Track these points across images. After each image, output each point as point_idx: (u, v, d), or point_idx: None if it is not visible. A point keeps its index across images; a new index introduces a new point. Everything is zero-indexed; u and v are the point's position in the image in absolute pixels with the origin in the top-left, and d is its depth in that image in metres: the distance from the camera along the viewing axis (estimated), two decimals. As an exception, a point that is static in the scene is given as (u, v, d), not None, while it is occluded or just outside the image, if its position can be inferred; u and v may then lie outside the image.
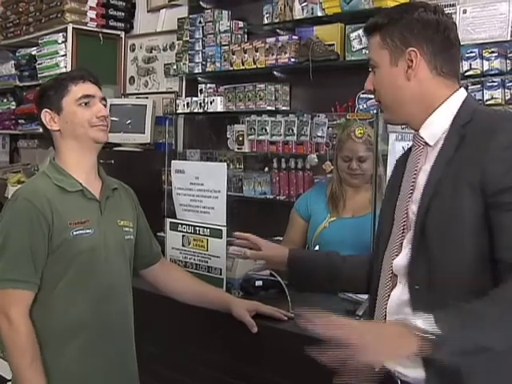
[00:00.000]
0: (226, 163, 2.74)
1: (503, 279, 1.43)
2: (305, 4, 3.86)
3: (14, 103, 5.67)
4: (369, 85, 1.69)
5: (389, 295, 1.63)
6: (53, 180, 2.09)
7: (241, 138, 4.28)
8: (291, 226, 3.13)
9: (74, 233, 2.02)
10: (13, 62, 5.54)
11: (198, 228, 2.60)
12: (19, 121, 5.54)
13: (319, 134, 3.82)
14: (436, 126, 1.61)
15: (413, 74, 1.60)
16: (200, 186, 2.59)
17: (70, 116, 2.10)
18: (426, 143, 1.63)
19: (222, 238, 2.52)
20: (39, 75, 5.15)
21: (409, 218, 1.61)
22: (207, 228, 2.57)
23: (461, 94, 1.63)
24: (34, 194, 2.04)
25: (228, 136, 4.42)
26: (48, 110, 2.12)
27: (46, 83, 2.24)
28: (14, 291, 1.98)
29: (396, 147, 2.24)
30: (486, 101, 3.22)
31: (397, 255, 1.62)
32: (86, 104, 2.10)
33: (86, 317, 2.05)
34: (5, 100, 5.81)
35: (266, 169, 4.28)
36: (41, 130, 5.26)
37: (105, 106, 2.16)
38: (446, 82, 1.62)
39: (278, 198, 4.14)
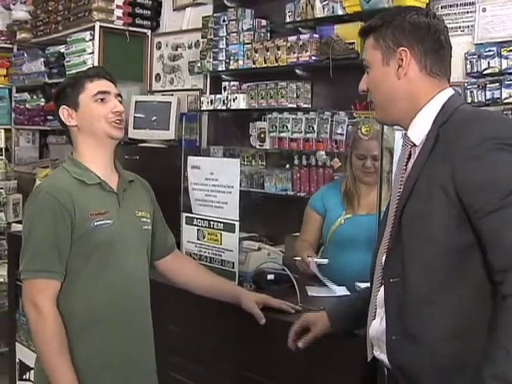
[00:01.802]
0: (239, 159, 2.79)
1: (498, 293, 1.46)
2: (326, 3, 3.88)
3: (43, 100, 5.78)
4: (363, 85, 1.75)
5: (379, 289, 1.68)
6: (72, 174, 2.16)
7: (262, 135, 4.32)
8: (307, 222, 3.16)
9: (95, 223, 2.09)
10: (42, 59, 5.64)
11: (212, 222, 2.67)
12: (48, 117, 5.65)
13: (339, 132, 3.85)
14: (420, 127, 1.65)
15: (403, 73, 1.65)
16: (214, 182, 2.65)
17: (87, 112, 2.17)
18: (413, 143, 1.67)
19: (234, 232, 2.58)
20: (67, 72, 5.22)
21: None
22: (221, 222, 2.62)
23: (445, 94, 1.66)
24: (55, 187, 2.11)
25: (250, 133, 4.47)
26: (65, 107, 2.19)
27: (63, 82, 2.32)
28: (41, 281, 2.04)
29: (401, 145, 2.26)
30: (505, 99, 3.22)
31: (385, 252, 1.67)
32: (101, 100, 2.17)
33: (106, 306, 2.11)
34: (34, 97, 5.92)
35: (287, 166, 4.31)
36: (68, 125, 5.37)
37: (120, 102, 2.22)
38: (435, 82, 1.66)
39: (298, 194, 4.17)
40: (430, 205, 1.54)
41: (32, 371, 3.64)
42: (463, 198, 1.49)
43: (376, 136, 2.71)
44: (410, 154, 1.69)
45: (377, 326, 1.68)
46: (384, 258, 1.67)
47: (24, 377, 3.76)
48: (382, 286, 1.67)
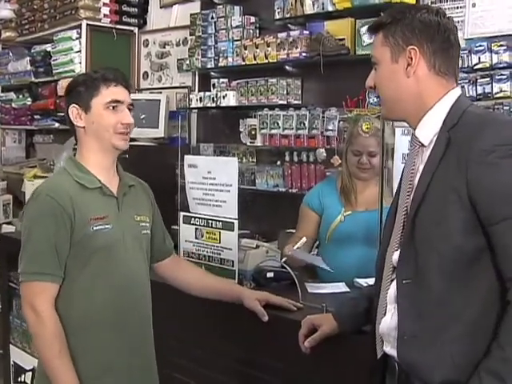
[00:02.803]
0: (237, 158, 2.79)
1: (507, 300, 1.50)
2: (315, -1, 3.90)
3: (29, 99, 5.73)
4: (370, 81, 1.75)
5: (389, 286, 1.70)
6: (73, 177, 2.15)
7: (253, 132, 4.32)
8: (304, 220, 3.12)
9: (94, 228, 2.08)
10: (28, 58, 5.60)
11: (210, 221, 2.67)
12: (35, 116, 5.61)
13: (330, 128, 3.86)
14: (429, 127, 1.66)
15: (412, 71, 1.66)
16: (212, 180, 2.65)
17: (97, 117, 2.14)
18: (422, 144, 1.68)
19: (233, 230, 2.58)
20: (54, 71, 5.22)
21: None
22: (219, 221, 2.63)
23: (453, 95, 1.67)
24: (56, 190, 2.10)
25: (241, 130, 4.47)
26: (76, 106, 2.16)
27: (77, 78, 2.26)
28: (39, 283, 2.04)
29: (403, 141, 2.28)
30: (495, 94, 3.25)
31: (396, 250, 1.69)
32: (113, 108, 2.14)
33: (106, 309, 2.11)
34: (21, 96, 5.87)
35: (278, 162, 4.32)
36: (56, 125, 5.38)
37: (131, 110, 2.19)
38: (443, 82, 1.67)
39: (290, 190, 4.18)
40: (444, 209, 1.55)
41: (27, 373, 3.64)
42: (476, 204, 1.51)
43: (374, 133, 2.72)
44: (417, 153, 1.70)
45: (387, 322, 1.69)
46: (394, 257, 1.68)
47: (19, 379, 3.75)
48: (392, 284, 1.69)
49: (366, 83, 1.76)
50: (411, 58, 1.65)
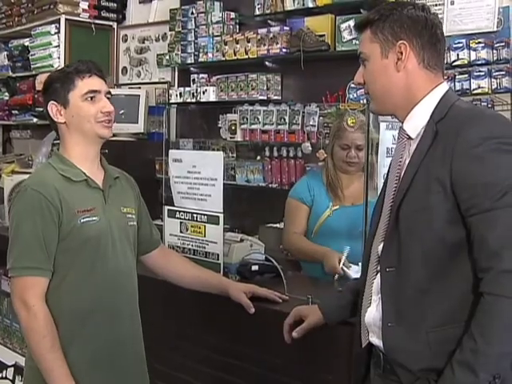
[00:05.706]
0: (222, 152, 2.82)
1: (481, 290, 1.53)
2: (296, -5, 3.93)
3: (7, 94, 5.68)
4: (359, 78, 1.79)
5: (375, 277, 1.74)
6: (58, 170, 2.14)
7: (233, 127, 4.34)
8: (296, 214, 3.11)
9: (82, 220, 2.08)
10: (5, 53, 5.57)
11: (195, 215, 2.68)
12: (13, 111, 5.57)
13: (311, 123, 3.90)
14: (417, 120, 1.70)
15: (402, 66, 1.70)
16: (197, 175, 2.66)
17: (76, 110, 2.14)
18: (409, 136, 1.72)
19: (218, 224, 2.60)
20: (32, 66, 5.20)
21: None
22: (204, 215, 2.65)
23: (441, 89, 1.71)
24: (42, 184, 2.09)
25: (220, 125, 4.49)
26: (54, 103, 2.16)
27: (52, 75, 2.26)
28: (29, 278, 2.03)
29: (386, 136, 2.32)
30: (473, 90, 3.31)
31: (382, 241, 1.72)
32: (91, 99, 2.14)
33: (95, 301, 2.11)
34: (-3, 91, 5.84)
35: (258, 157, 4.35)
36: (34, 120, 5.33)
37: (109, 98, 2.20)
38: (431, 76, 1.71)
39: (270, 185, 4.21)
40: (427, 198, 1.59)
41: (9, 369, 3.62)
42: (458, 195, 1.55)
43: (360, 127, 2.75)
44: (404, 146, 1.74)
45: (373, 312, 1.73)
46: (379, 248, 1.72)
47: (1, 375, 3.72)
48: (378, 275, 1.72)
49: (354, 79, 1.80)
50: (401, 53, 1.69)
